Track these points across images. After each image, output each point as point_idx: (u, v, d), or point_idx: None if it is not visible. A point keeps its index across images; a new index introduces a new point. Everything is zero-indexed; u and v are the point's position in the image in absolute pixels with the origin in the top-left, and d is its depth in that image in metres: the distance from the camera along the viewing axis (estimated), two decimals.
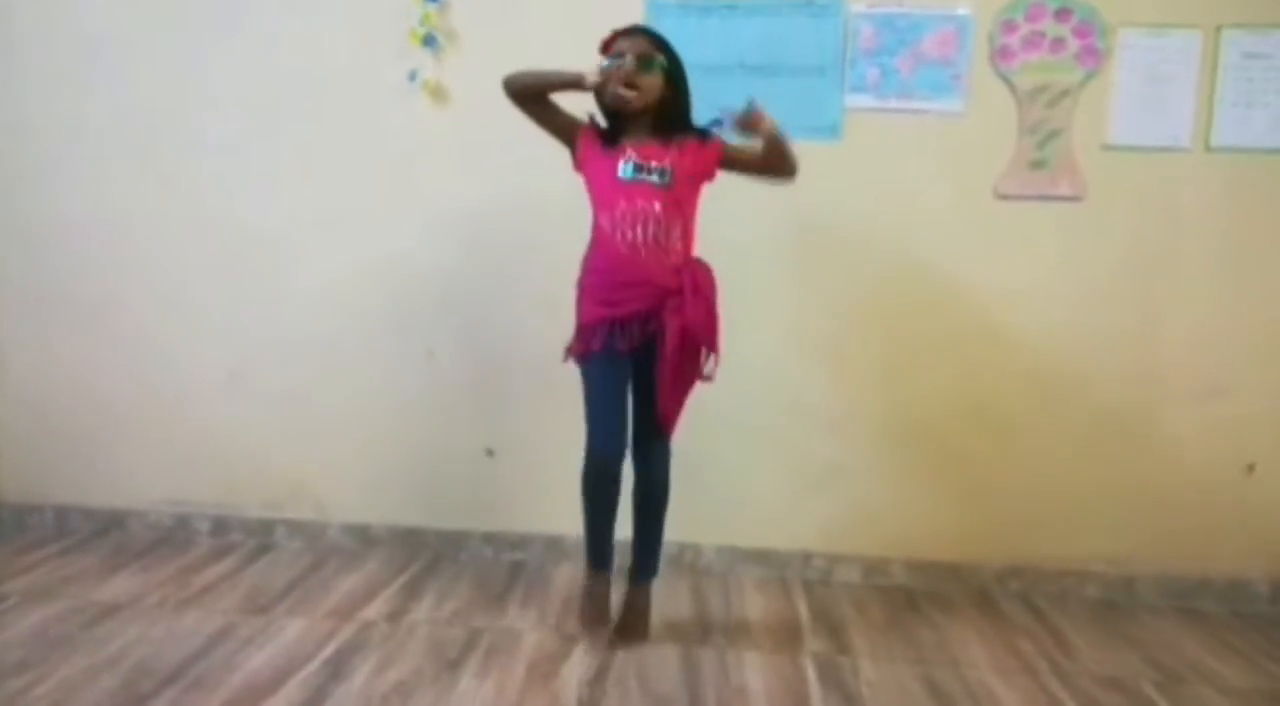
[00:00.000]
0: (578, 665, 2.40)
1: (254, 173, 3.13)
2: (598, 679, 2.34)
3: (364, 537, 3.23)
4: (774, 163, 2.38)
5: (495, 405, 3.13)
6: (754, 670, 2.41)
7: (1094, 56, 2.83)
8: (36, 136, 3.18)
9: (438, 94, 3.02)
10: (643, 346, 2.36)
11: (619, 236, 2.33)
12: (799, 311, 3.00)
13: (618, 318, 2.34)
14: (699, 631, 2.64)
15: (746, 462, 3.05)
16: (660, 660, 2.45)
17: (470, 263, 3.09)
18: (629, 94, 2.31)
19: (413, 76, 3.00)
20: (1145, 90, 2.84)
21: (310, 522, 3.24)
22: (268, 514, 3.26)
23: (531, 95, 2.40)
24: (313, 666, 2.35)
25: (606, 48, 2.38)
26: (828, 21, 2.90)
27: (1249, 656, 2.61)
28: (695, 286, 2.33)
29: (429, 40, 2.98)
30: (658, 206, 2.32)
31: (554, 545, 3.15)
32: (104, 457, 3.30)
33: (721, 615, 2.75)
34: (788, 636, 2.62)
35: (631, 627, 2.54)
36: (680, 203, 2.35)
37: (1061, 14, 2.83)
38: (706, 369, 2.39)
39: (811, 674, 2.40)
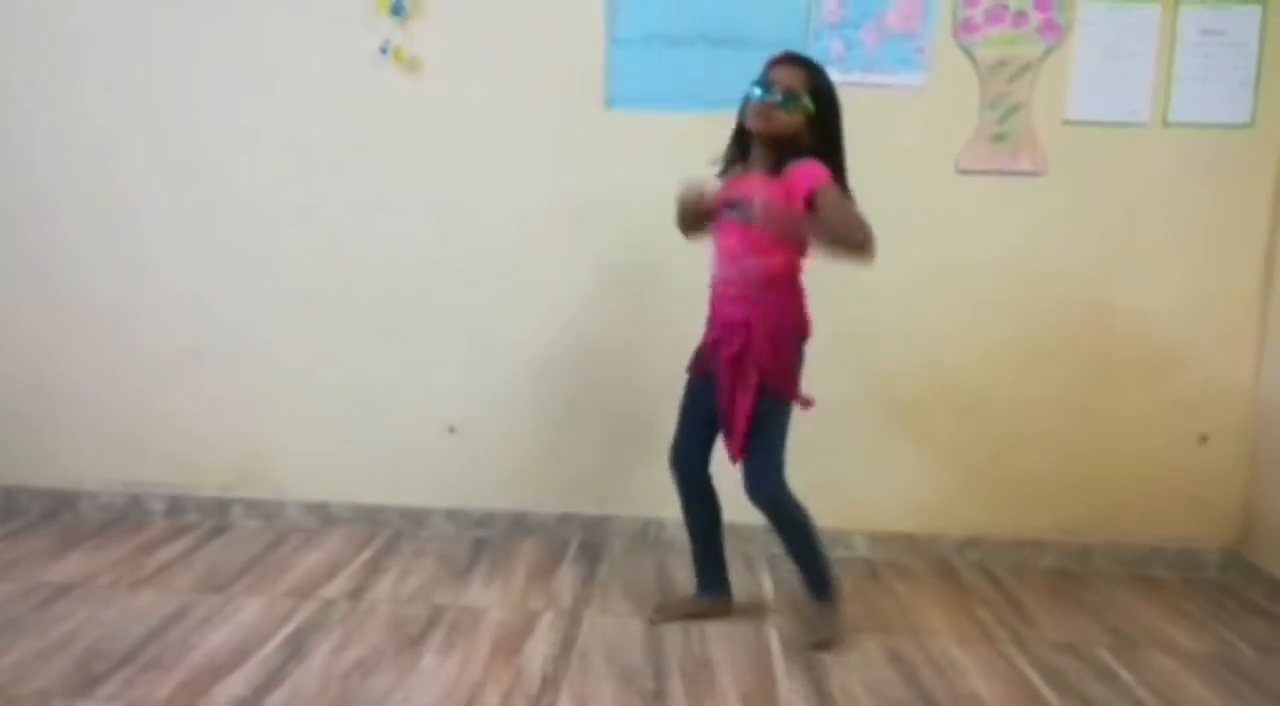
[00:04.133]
0: (542, 641, 2.40)
1: (210, 148, 3.05)
2: (562, 653, 2.33)
3: (324, 515, 3.18)
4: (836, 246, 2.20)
5: (457, 381, 3.10)
6: (718, 642, 2.42)
7: (1055, 30, 2.84)
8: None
9: (409, 64, 2.95)
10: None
11: (716, 270, 2.36)
12: None
13: (707, 341, 2.40)
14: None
15: None
16: (625, 633, 2.45)
17: (435, 236, 3.04)
18: (759, 127, 2.23)
19: (384, 48, 2.93)
20: (1105, 65, 2.86)
21: (268, 501, 3.19)
22: (224, 493, 3.20)
23: (690, 229, 2.39)
24: (272, 645, 2.31)
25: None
26: None
27: (1199, 621, 2.67)
28: (758, 323, 2.26)
29: (396, 8, 2.91)
30: (734, 243, 2.28)
31: (518, 521, 3.13)
32: (53, 437, 3.22)
33: (686, 589, 2.75)
34: (752, 609, 2.63)
35: (810, 641, 2.43)
36: (761, 238, 2.22)
37: None
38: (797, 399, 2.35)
39: (775, 645, 2.42)
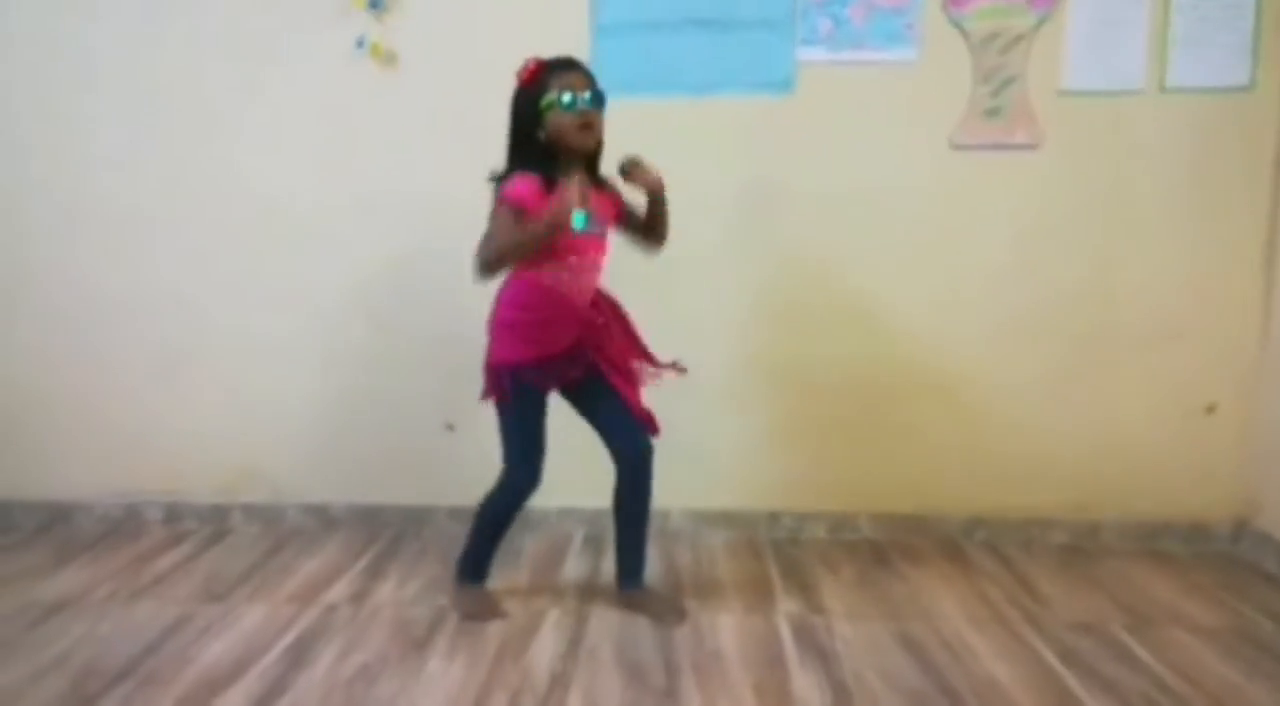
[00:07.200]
0: (549, 639, 2.36)
1: (193, 147, 3.00)
2: (570, 651, 2.29)
3: (324, 518, 3.14)
4: (655, 223, 2.36)
5: (454, 378, 3.04)
6: (728, 633, 2.38)
7: (1046, 0, 2.79)
8: None
9: (386, 59, 2.90)
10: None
11: (562, 283, 2.27)
12: (753, 267, 2.95)
13: (550, 355, 2.29)
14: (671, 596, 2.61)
15: (709, 424, 3.00)
16: (633, 628, 2.41)
17: (425, 232, 2.99)
18: (591, 141, 2.23)
19: (360, 42, 2.87)
20: (1098, 33, 2.80)
21: (267, 505, 3.15)
22: (222, 499, 3.15)
23: (517, 260, 2.26)
24: (273, 654, 2.27)
25: (531, 78, 2.20)
26: None
27: (1214, 595, 2.63)
28: (614, 314, 2.39)
29: (374, 3, 2.85)
30: (601, 257, 2.34)
31: (521, 517, 3.07)
32: (45, 449, 3.17)
33: (692, 579, 2.72)
34: (760, 597, 2.59)
35: (676, 606, 2.51)
36: (607, 247, 2.36)
37: None
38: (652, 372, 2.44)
39: (786, 634, 2.38)
